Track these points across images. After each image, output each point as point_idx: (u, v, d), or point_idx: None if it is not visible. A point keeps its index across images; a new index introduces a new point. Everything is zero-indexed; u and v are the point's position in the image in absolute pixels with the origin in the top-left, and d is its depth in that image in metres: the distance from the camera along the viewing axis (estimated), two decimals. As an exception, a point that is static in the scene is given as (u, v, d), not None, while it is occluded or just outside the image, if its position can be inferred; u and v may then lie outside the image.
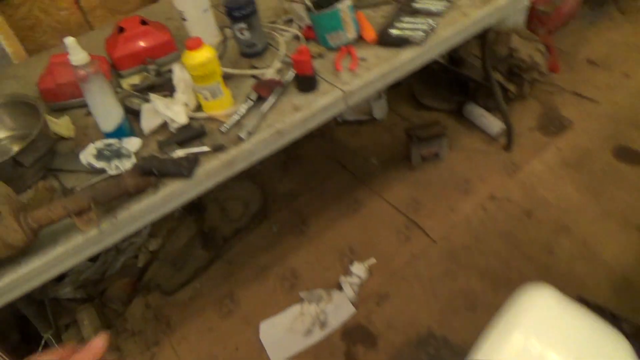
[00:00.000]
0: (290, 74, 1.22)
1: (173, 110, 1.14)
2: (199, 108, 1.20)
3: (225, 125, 1.12)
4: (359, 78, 1.20)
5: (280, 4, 1.49)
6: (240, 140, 1.09)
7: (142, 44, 1.34)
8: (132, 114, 1.20)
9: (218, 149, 1.08)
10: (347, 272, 1.78)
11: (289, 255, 1.88)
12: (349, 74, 1.22)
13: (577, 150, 2.06)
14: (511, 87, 2.19)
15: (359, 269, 1.78)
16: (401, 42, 1.26)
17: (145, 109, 1.17)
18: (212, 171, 1.06)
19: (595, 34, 2.60)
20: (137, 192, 1.00)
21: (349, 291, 1.71)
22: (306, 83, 1.18)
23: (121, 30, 1.34)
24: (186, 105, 1.18)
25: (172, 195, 1.03)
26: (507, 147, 2.12)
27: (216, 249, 1.90)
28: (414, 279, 1.75)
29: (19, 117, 1.18)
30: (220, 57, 1.37)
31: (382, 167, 2.15)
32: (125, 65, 1.35)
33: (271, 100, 1.17)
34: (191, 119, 1.18)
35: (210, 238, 1.93)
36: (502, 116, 2.07)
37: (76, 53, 0.99)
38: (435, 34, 1.29)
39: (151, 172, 1.03)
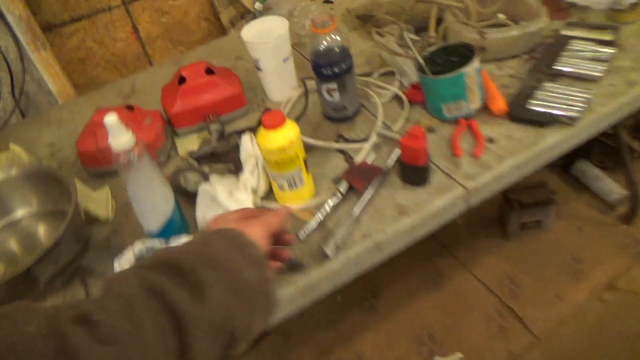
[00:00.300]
0: (392, 157, 0.92)
1: (237, 200, 0.87)
2: (269, 193, 0.93)
3: (304, 230, 0.84)
4: (486, 169, 0.88)
5: (377, 51, 1.19)
6: (325, 256, 0.80)
7: (205, 98, 1.08)
8: (185, 196, 0.94)
9: (295, 267, 0.79)
10: (427, 368, 1.47)
11: (355, 336, 1.59)
12: (472, 162, 0.90)
13: None
14: (636, 145, 1.79)
15: (441, 366, 1.45)
16: (546, 120, 0.92)
17: (202, 192, 0.91)
18: (285, 301, 0.78)
19: None
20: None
21: (429, 397, 1.40)
22: (415, 175, 0.87)
23: (182, 80, 1.09)
24: (254, 191, 0.90)
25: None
26: (629, 219, 1.73)
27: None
28: (510, 387, 1.41)
29: (47, 189, 0.94)
30: (298, 118, 1.09)
31: (470, 232, 1.81)
32: (183, 122, 1.10)
33: (367, 195, 0.87)
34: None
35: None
36: (627, 180, 1.68)
37: (118, 135, 0.74)
38: (591, 109, 0.95)
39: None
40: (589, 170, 1.82)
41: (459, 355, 1.48)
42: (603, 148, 1.84)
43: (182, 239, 0.85)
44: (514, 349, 1.48)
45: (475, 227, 1.82)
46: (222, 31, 1.50)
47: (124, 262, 0.82)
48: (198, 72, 1.09)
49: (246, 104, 1.14)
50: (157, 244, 0.83)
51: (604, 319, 1.50)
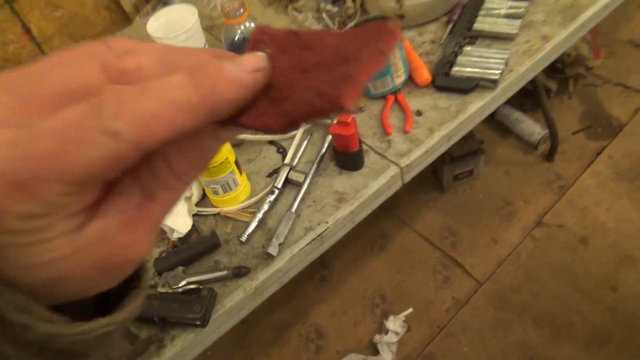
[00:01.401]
0: (325, 144, 0.90)
1: (172, 213, 0.82)
2: (204, 198, 0.89)
3: (245, 232, 0.81)
4: (418, 144, 0.89)
5: (297, 28, 1.14)
6: (269, 256, 0.78)
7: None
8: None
9: (241, 274, 0.77)
10: (381, 328, 1.53)
11: (311, 309, 1.61)
12: (403, 138, 0.90)
13: (632, 158, 1.78)
14: (552, 85, 1.88)
15: (394, 324, 1.52)
16: (469, 87, 0.93)
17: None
18: (234, 308, 0.76)
19: (637, 8, 2.27)
20: (134, 357, 0.70)
21: (387, 355, 1.46)
22: (350, 160, 0.86)
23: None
24: (188, 199, 0.86)
25: (182, 352, 0.73)
26: (550, 157, 1.84)
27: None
28: (459, 332, 1.51)
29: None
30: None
31: (407, 189, 1.85)
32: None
33: (304, 187, 0.85)
34: (195, 215, 0.86)
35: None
36: (546, 120, 1.77)
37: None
38: (510, 69, 0.97)
39: (151, 320, 0.73)
40: (512, 114, 1.90)
41: (409, 309, 1.55)
42: (522, 90, 1.91)
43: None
44: (459, 296, 1.57)
45: (412, 184, 1.86)
46: (126, 19, 1.37)
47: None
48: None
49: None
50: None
51: (535, 255, 1.62)
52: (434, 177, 1.85)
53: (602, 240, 1.62)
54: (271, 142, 0.95)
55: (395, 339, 1.50)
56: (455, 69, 0.97)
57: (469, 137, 1.76)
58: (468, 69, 0.96)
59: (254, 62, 0.22)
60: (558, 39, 1.01)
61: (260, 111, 0.23)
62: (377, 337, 1.50)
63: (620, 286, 1.52)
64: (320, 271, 1.69)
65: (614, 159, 1.80)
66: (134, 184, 0.21)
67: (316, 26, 1.03)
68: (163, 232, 0.84)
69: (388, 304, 1.58)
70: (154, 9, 1.02)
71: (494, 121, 1.97)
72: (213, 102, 0.20)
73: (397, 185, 0.89)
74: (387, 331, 1.51)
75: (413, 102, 0.95)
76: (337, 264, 1.70)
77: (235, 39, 0.88)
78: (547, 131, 1.81)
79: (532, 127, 1.86)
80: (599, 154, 1.82)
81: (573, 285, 1.54)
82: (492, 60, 0.97)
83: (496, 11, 1.07)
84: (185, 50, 0.24)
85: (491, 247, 1.66)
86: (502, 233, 1.68)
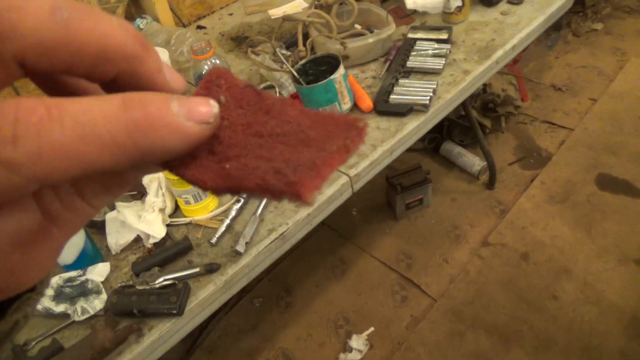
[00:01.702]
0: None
1: (147, 221, 0.93)
2: (177, 210, 0.99)
3: (215, 236, 0.92)
4: (364, 158, 1.04)
5: (255, 68, 1.30)
6: (237, 254, 0.89)
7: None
8: (94, 227, 0.97)
9: (212, 269, 0.87)
10: (345, 347, 1.61)
11: (278, 334, 1.68)
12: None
13: (560, 183, 2.01)
14: (487, 123, 2.12)
15: (357, 343, 1.60)
16: (405, 110, 1.11)
17: (110, 220, 0.95)
18: (207, 299, 0.86)
19: (555, 59, 2.60)
20: (117, 345, 0.78)
21: (352, 372, 1.54)
22: (305, 171, 1.00)
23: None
24: (162, 210, 0.97)
25: (160, 340, 0.82)
26: (490, 185, 2.04)
27: (192, 338, 1.67)
28: (419, 345, 1.60)
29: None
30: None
31: (364, 219, 2.00)
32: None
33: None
34: (169, 225, 0.97)
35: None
36: (483, 153, 1.99)
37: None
38: (438, 96, 1.15)
39: (131, 313, 0.81)
40: (454, 149, 2.11)
41: (371, 329, 1.65)
42: (461, 128, 2.14)
43: (99, 268, 0.89)
44: (416, 313, 1.68)
45: (369, 214, 2.01)
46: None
47: (45, 300, 0.84)
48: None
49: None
50: (75, 275, 0.86)
51: (483, 272, 1.76)
52: (389, 207, 2.00)
53: (540, 256, 1.79)
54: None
55: (359, 356, 1.58)
56: (392, 96, 1.15)
57: (416, 169, 1.94)
58: (403, 97, 1.14)
59: (206, 113, 0.19)
60: (476, 72, 1.21)
61: (198, 162, 0.20)
62: (341, 356, 1.58)
63: (559, 295, 1.67)
64: (285, 298, 1.78)
65: (546, 184, 2.02)
66: (32, 202, 0.19)
67: (274, 65, 1.19)
68: (139, 239, 0.93)
69: (351, 325, 1.68)
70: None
71: (439, 156, 2.17)
72: (144, 148, 0.17)
73: (348, 193, 1.03)
74: (351, 349, 1.59)
75: (358, 124, 1.11)
76: (300, 290, 1.79)
77: (203, 72, 1.03)
78: (485, 163, 2.02)
79: (472, 160, 2.07)
80: (532, 180, 2.03)
81: (518, 297, 1.68)
82: (423, 89, 1.15)
83: (424, 52, 1.27)
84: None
85: (443, 266, 1.80)
86: (452, 254, 1.83)
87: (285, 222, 0.94)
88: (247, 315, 1.74)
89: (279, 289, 1.80)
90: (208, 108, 0.19)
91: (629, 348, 1.52)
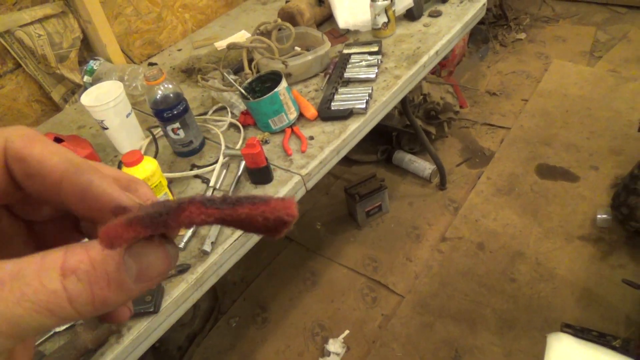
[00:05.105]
0: (240, 168, 1.13)
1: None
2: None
3: (182, 240, 0.99)
4: (313, 158, 1.14)
5: (207, 94, 1.41)
6: (204, 254, 0.97)
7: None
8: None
9: (183, 270, 0.95)
10: (324, 352, 1.67)
11: (257, 350, 1.72)
12: (301, 156, 1.16)
13: (504, 177, 2.17)
14: (432, 129, 2.28)
15: (335, 346, 1.67)
16: (345, 114, 1.23)
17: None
18: (181, 297, 0.92)
19: (487, 68, 2.83)
20: (98, 346, 0.84)
21: (332, 374, 1.59)
22: (261, 175, 1.09)
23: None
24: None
25: (139, 338, 0.87)
26: (442, 186, 2.18)
27: (174, 364, 1.69)
28: (392, 341, 1.68)
29: None
30: (154, 160, 1.24)
31: (328, 231, 2.09)
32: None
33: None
34: (139, 238, 1.03)
35: (162, 352, 1.72)
36: (432, 158, 2.13)
37: None
38: (374, 100, 1.28)
39: (109, 317, 0.87)
40: (405, 157, 2.25)
41: (346, 332, 1.71)
42: (409, 137, 2.29)
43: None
44: (387, 311, 1.77)
45: (332, 226, 2.11)
46: (56, 109, 1.58)
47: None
48: (48, 141, 1.18)
49: (100, 161, 1.25)
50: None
51: (444, 264, 1.87)
52: (350, 217, 2.11)
53: (495, 244, 1.92)
54: (196, 177, 1.16)
55: (337, 359, 1.64)
56: (334, 103, 1.27)
57: (371, 177, 2.06)
58: (344, 102, 1.27)
59: (162, 272, 0.19)
60: (406, 76, 1.35)
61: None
62: (320, 361, 1.64)
63: (516, 277, 1.80)
64: (261, 314, 1.83)
65: (492, 179, 2.17)
66: None
67: (221, 86, 1.30)
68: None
69: (327, 331, 1.74)
70: (84, 92, 1.24)
71: (392, 165, 2.31)
72: (87, 315, 0.17)
73: (302, 192, 1.13)
74: (329, 353, 1.65)
75: (306, 131, 1.23)
76: (275, 306, 1.85)
77: (157, 97, 1.12)
78: (435, 166, 2.17)
79: (423, 165, 2.22)
80: (479, 177, 2.19)
81: (479, 284, 1.79)
82: (360, 95, 1.28)
83: (359, 63, 1.41)
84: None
85: (407, 265, 1.90)
86: (414, 252, 1.94)
87: (247, 221, 1.02)
88: (225, 336, 1.78)
89: (254, 307, 1.86)
90: (165, 269, 0.19)
91: (584, 317, 1.64)
